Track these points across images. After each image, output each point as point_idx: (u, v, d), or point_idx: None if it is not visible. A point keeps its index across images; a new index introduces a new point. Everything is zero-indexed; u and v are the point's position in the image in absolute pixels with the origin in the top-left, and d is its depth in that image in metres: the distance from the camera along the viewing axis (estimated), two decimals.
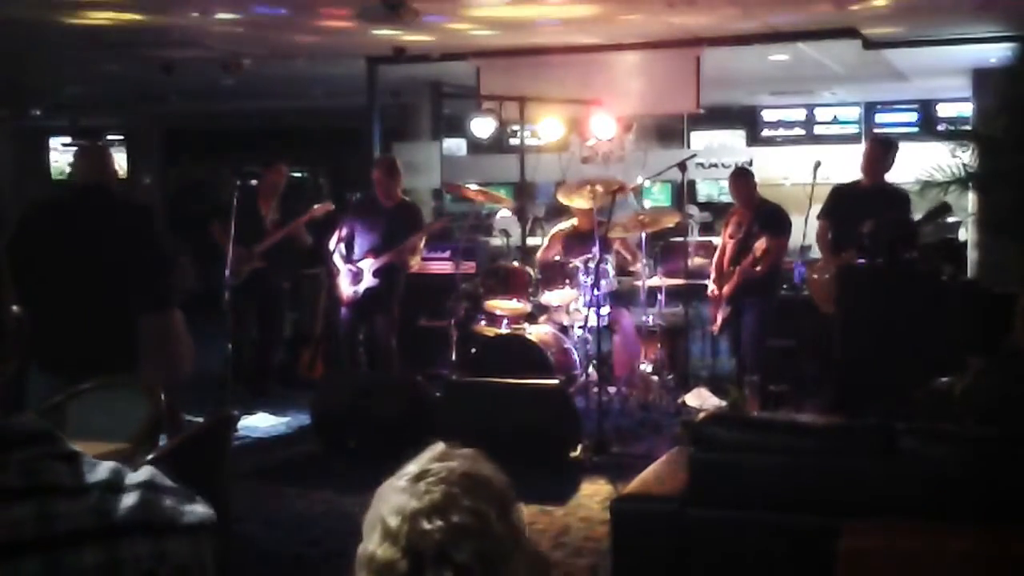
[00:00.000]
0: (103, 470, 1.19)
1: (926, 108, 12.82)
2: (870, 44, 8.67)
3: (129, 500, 1.17)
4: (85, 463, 1.18)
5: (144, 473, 1.22)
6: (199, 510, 1.22)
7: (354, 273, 7.86)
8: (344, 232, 7.98)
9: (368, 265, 7.83)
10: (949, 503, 3.39)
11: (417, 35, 8.40)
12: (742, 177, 8.19)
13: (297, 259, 8.99)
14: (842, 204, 7.55)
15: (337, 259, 7.98)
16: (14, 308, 1.22)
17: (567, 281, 7.61)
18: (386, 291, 7.90)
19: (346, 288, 7.89)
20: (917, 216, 7.50)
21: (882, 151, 7.58)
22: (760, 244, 7.78)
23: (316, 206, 8.71)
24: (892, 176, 7.65)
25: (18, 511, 1.10)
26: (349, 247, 7.96)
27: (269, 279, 8.56)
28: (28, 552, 1.08)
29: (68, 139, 16.11)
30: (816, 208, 7.81)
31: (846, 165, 8.22)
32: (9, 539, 1.08)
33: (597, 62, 9.29)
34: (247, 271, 8.19)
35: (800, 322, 8.08)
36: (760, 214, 7.95)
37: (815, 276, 7.95)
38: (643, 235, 8.08)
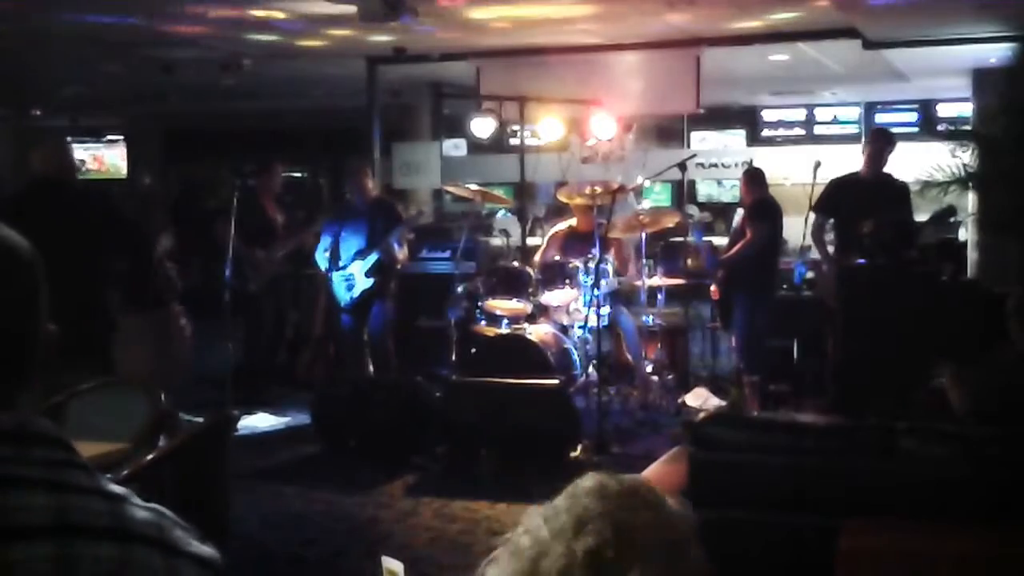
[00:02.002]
0: (118, 488, 1.21)
1: (926, 108, 12.80)
2: (870, 44, 8.66)
3: (143, 515, 1.19)
4: (99, 476, 1.21)
5: (156, 506, 1.24)
6: (207, 549, 1.24)
7: (347, 279, 7.91)
8: (329, 242, 8.03)
9: (359, 268, 7.89)
10: (949, 503, 3.39)
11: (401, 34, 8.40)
12: (746, 176, 8.28)
13: (304, 261, 9.01)
14: (842, 197, 7.48)
15: (329, 270, 8.00)
16: (50, 326, 1.25)
17: (567, 281, 7.61)
18: (380, 289, 7.97)
19: (343, 296, 7.95)
20: (922, 216, 7.49)
21: (884, 143, 7.53)
22: None
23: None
24: (892, 173, 7.62)
25: (35, 499, 1.12)
26: (335, 254, 8.00)
27: (284, 281, 8.63)
28: (41, 537, 1.10)
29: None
30: None
31: (846, 165, 8.20)
32: (24, 523, 1.10)
33: (597, 62, 9.28)
34: (268, 277, 8.32)
35: (800, 322, 8.09)
36: (751, 209, 8.01)
37: (815, 274, 7.97)
38: (643, 235, 8.09)
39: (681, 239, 8.97)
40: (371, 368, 8.12)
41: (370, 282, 7.92)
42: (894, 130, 9.01)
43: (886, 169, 7.53)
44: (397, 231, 7.98)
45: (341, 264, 7.96)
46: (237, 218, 7.64)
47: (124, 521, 1.16)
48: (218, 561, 1.25)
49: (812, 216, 7.57)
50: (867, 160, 7.49)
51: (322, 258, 8.08)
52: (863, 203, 7.11)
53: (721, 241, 9.15)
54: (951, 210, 7.55)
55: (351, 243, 7.97)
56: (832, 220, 7.73)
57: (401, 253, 8.09)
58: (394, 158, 10.90)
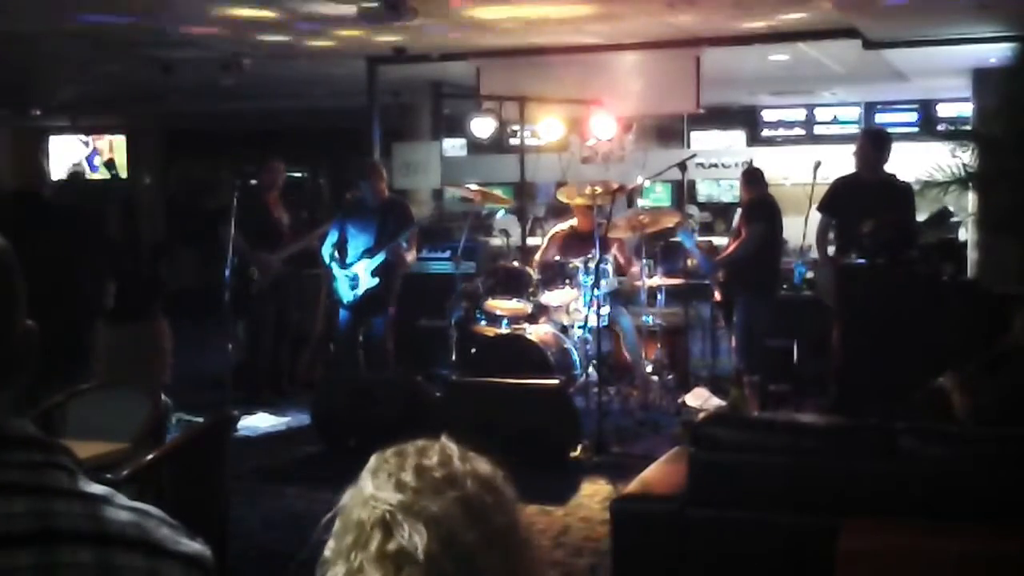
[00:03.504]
0: (99, 488, 1.19)
1: (926, 108, 12.80)
2: (870, 44, 8.66)
3: (124, 516, 1.17)
4: (81, 478, 1.18)
5: (141, 504, 1.21)
6: (195, 546, 1.22)
7: (351, 279, 7.85)
8: (336, 237, 7.98)
9: (365, 268, 7.83)
10: (949, 503, 3.39)
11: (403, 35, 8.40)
12: (743, 176, 8.27)
13: (306, 261, 9.01)
14: (844, 197, 7.39)
15: (334, 266, 7.95)
16: (28, 322, 1.21)
17: (567, 281, 7.61)
18: (384, 291, 7.91)
19: (346, 294, 7.89)
20: (919, 217, 7.46)
21: (873, 144, 7.37)
22: None
23: None
24: (896, 174, 7.58)
25: (15, 505, 1.10)
26: (342, 251, 7.93)
27: (286, 281, 8.63)
28: (23, 545, 1.08)
29: (71, 138, 16.11)
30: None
31: (846, 165, 8.20)
32: (5, 531, 1.08)
33: (597, 62, 9.28)
34: (271, 278, 8.30)
35: (800, 322, 8.08)
36: (747, 208, 8.00)
37: (814, 274, 7.96)
38: (642, 235, 8.08)
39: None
40: (367, 367, 8.10)
41: (375, 282, 7.85)
42: (894, 130, 9.02)
43: (890, 170, 7.44)
44: (407, 232, 7.90)
45: (348, 261, 7.88)
46: (239, 219, 7.63)
47: (104, 524, 1.14)
48: (208, 558, 1.22)
49: (817, 215, 7.47)
50: (857, 162, 7.38)
51: (327, 252, 7.99)
52: (865, 204, 7.07)
53: (721, 241, 9.15)
54: (946, 212, 7.54)
55: (359, 240, 7.87)
56: (834, 220, 7.69)
57: (409, 255, 7.99)
58: (394, 158, 10.89)
